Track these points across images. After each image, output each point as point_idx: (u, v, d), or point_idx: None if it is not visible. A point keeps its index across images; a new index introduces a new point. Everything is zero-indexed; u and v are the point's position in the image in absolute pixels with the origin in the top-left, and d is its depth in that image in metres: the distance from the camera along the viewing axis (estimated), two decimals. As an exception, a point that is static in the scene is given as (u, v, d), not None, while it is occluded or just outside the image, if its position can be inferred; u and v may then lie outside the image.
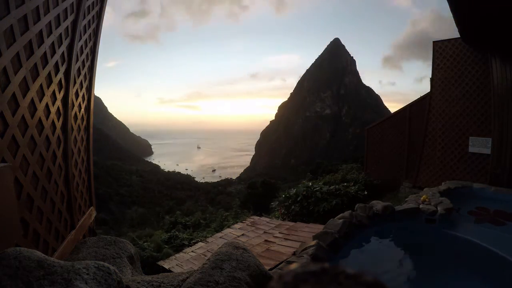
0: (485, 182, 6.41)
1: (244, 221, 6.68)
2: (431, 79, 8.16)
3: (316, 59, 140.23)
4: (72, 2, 2.70)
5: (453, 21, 6.16)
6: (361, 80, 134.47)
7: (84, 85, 3.43)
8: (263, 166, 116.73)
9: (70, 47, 2.81)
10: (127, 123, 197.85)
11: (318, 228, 4.89)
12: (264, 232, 5.67)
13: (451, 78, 7.73)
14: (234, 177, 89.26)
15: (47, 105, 2.38)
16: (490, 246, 3.44)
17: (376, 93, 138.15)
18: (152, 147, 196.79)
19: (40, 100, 2.26)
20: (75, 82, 3.02)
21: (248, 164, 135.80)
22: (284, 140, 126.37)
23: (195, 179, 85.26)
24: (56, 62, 2.52)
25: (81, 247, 2.68)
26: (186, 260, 4.88)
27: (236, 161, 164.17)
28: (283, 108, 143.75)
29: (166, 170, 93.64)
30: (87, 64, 3.42)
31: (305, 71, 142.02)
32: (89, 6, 3.18)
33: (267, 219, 6.93)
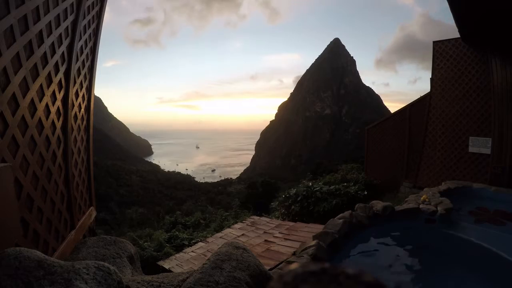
0: (485, 182, 6.41)
1: (244, 221, 6.67)
2: (431, 79, 8.16)
3: (316, 59, 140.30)
4: (72, 2, 2.70)
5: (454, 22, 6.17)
6: (361, 80, 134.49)
7: (84, 85, 3.43)
8: (263, 166, 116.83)
9: (70, 47, 2.81)
10: (127, 123, 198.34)
11: (318, 228, 4.88)
12: (264, 232, 5.67)
13: (451, 78, 7.73)
14: (234, 177, 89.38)
15: (47, 105, 2.38)
16: (490, 246, 3.44)
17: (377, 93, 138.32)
18: (152, 147, 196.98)
19: (40, 100, 2.26)
20: (75, 82, 3.02)
21: (248, 163, 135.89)
22: (284, 140, 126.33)
23: (195, 179, 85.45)
24: (56, 62, 2.53)
25: (81, 247, 2.68)
26: (186, 260, 4.87)
27: (236, 161, 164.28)
28: (283, 108, 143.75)
29: (166, 170, 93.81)
30: (87, 64, 3.42)
31: (305, 70, 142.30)
32: (89, 6, 3.18)
33: (267, 219, 6.92)
